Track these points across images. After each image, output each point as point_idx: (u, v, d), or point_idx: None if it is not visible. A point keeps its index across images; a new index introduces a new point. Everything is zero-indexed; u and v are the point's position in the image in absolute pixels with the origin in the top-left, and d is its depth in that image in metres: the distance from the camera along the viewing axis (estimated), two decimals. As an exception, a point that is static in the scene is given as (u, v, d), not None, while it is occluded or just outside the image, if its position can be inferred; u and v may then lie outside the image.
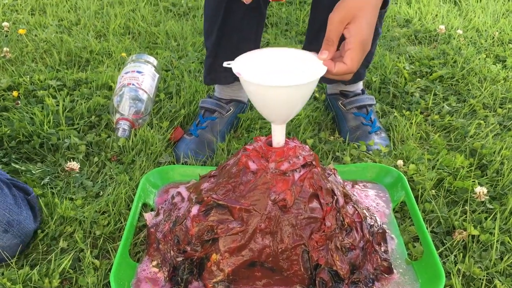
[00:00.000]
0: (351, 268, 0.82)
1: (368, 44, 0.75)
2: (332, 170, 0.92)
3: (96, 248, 0.90)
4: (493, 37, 1.73)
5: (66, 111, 1.27)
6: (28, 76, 1.42)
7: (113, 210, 0.96)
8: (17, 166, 1.07)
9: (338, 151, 1.15)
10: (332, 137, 1.23)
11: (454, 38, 1.72)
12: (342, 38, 0.75)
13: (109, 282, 0.80)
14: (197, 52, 1.62)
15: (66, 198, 0.99)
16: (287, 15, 1.90)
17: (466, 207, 0.97)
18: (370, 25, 0.73)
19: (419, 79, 1.47)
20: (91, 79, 1.42)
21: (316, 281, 0.79)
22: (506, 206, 0.97)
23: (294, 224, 0.79)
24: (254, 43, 1.16)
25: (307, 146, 0.87)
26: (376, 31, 1.13)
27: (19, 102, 1.32)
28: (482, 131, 1.23)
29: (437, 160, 1.10)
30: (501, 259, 0.87)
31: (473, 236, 0.91)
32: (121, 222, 0.94)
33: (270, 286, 0.80)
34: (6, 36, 1.71)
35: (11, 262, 0.85)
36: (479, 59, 1.57)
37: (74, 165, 1.09)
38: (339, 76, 0.76)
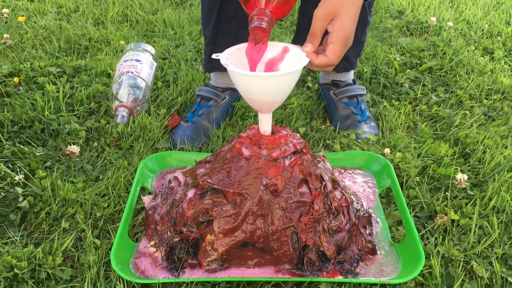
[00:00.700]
0: (337, 249, 0.87)
1: (350, 39, 0.79)
2: (322, 157, 0.97)
3: (97, 229, 0.94)
4: (483, 30, 1.77)
5: (66, 97, 1.30)
6: (28, 63, 1.45)
7: (112, 193, 1.01)
8: (22, 146, 1.12)
9: (328, 139, 1.20)
10: (323, 126, 1.28)
11: (444, 30, 1.76)
12: (325, 33, 0.80)
13: (109, 260, 0.85)
14: (194, 41, 1.66)
15: (67, 181, 1.04)
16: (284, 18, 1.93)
17: (447, 193, 1.02)
18: (353, 21, 0.78)
19: (409, 70, 1.51)
20: (90, 66, 1.45)
21: (304, 261, 0.84)
22: (485, 193, 1.03)
23: (284, 207, 0.84)
24: None
25: (298, 134, 0.92)
26: (366, 20, 1.18)
27: (21, 88, 1.35)
28: (468, 121, 1.28)
29: (423, 149, 1.15)
30: (479, 242, 0.93)
31: (453, 221, 0.97)
32: (121, 205, 0.99)
33: (261, 265, 0.85)
34: (6, 22, 1.74)
35: (16, 241, 0.90)
36: (468, 51, 1.62)
37: (75, 148, 1.13)
38: (321, 68, 0.81)
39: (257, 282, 0.83)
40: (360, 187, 1.06)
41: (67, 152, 1.12)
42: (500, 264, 0.88)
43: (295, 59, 0.81)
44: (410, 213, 0.97)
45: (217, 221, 0.85)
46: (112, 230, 0.94)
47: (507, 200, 1.00)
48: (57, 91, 1.32)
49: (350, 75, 1.32)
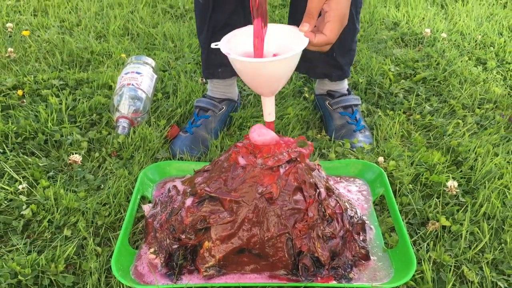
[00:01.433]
0: (331, 255, 0.90)
1: (346, 18, 0.82)
2: (317, 166, 1.00)
3: (98, 237, 0.97)
4: (476, 40, 1.81)
5: (69, 109, 1.34)
6: (32, 76, 1.49)
7: (113, 202, 1.04)
8: (25, 157, 1.15)
9: (324, 148, 1.23)
10: (319, 135, 1.31)
11: (438, 41, 1.80)
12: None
13: (110, 267, 0.87)
14: (193, 53, 1.69)
15: (70, 191, 1.07)
16: (280, 17, 1.98)
17: (439, 200, 1.05)
18: (348, 1, 0.81)
19: (404, 81, 1.55)
20: (92, 79, 1.49)
21: (299, 267, 0.87)
22: (476, 200, 1.05)
23: (279, 214, 0.87)
24: None
25: (293, 143, 0.95)
26: (354, 27, 1.21)
27: (24, 100, 1.39)
28: (460, 130, 1.31)
29: (416, 157, 1.18)
30: (470, 247, 0.95)
31: (445, 227, 0.99)
32: (121, 213, 1.02)
33: (257, 271, 0.88)
34: (10, 36, 1.78)
35: (19, 249, 0.93)
36: (461, 61, 1.65)
37: (77, 157, 1.16)
38: (319, 47, 0.82)
39: (253, 287, 0.85)
40: (354, 195, 1.09)
41: (69, 161, 1.16)
42: (490, 269, 0.91)
43: (294, 40, 0.82)
44: (403, 220, 0.99)
45: (214, 228, 0.87)
46: (113, 238, 0.97)
47: (497, 207, 1.02)
48: (60, 103, 1.36)
49: (344, 85, 1.35)
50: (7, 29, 1.81)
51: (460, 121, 1.35)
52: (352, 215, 0.98)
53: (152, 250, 0.93)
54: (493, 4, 2.14)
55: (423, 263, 0.90)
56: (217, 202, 0.88)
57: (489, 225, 0.99)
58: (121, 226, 0.94)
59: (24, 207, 1.02)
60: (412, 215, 1.03)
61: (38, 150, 1.21)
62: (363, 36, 1.84)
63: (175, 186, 1.03)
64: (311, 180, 0.92)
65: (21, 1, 2.07)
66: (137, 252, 0.92)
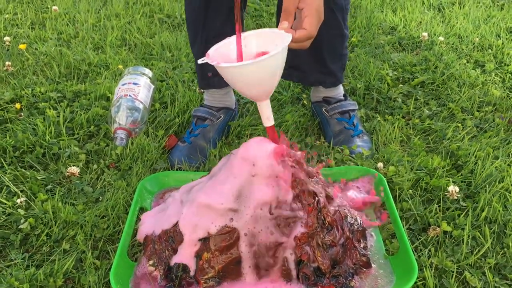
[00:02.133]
0: (332, 263, 0.89)
1: (322, 13, 0.85)
2: (316, 173, 1.00)
3: (97, 250, 0.96)
4: (474, 43, 1.80)
5: (67, 121, 1.34)
6: (29, 89, 1.49)
7: (112, 214, 1.03)
8: (23, 170, 1.15)
9: (323, 155, 1.23)
10: (318, 142, 1.30)
11: (436, 45, 1.79)
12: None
13: (109, 280, 0.86)
14: (190, 63, 1.69)
15: (68, 204, 1.06)
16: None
17: (440, 205, 1.04)
18: None
19: (402, 85, 1.54)
20: (90, 91, 1.49)
21: (300, 276, 0.86)
22: (478, 204, 1.04)
23: (278, 223, 0.86)
24: None
25: (292, 151, 0.94)
26: (342, 32, 1.22)
27: (22, 114, 1.39)
28: (460, 134, 1.30)
29: (416, 162, 1.17)
30: (472, 252, 0.94)
31: (446, 232, 0.98)
32: (120, 225, 1.01)
33: (257, 281, 0.87)
34: (8, 50, 1.78)
35: (18, 263, 0.92)
36: (459, 64, 1.65)
37: (74, 169, 1.16)
38: (300, 43, 0.84)
39: (254, 297, 0.84)
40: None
41: (67, 173, 1.15)
42: (493, 274, 0.90)
43: (277, 40, 0.83)
44: (404, 226, 0.99)
45: (213, 238, 0.87)
46: (111, 251, 0.96)
47: (499, 211, 1.01)
48: (57, 116, 1.36)
49: (340, 91, 1.35)
50: (4, 43, 1.82)
51: (459, 124, 1.34)
52: (352, 222, 0.97)
53: (151, 262, 0.92)
54: (490, 6, 2.14)
55: (424, 269, 0.90)
56: (215, 212, 0.88)
57: (491, 229, 0.98)
58: (120, 239, 0.94)
59: (22, 220, 1.01)
60: (413, 220, 1.02)
61: (36, 163, 1.20)
62: (360, 41, 1.84)
63: (173, 197, 1.03)
64: (310, 187, 0.91)
65: (18, 14, 2.08)
66: (136, 264, 0.91)
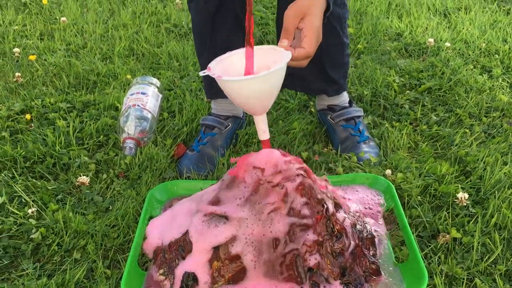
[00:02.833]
0: (341, 271, 0.89)
1: (320, 34, 0.88)
2: (324, 181, 1.00)
3: (108, 259, 0.97)
4: (480, 48, 1.80)
5: (76, 132, 1.35)
6: (39, 100, 1.51)
7: (122, 223, 1.04)
8: (34, 180, 1.16)
9: (331, 163, 1.23)
10: (325, 149, 1.31)
11: (442, 50, 1.79)
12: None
13: (120, 289, 0.87)
14: (198, 72, 1.71)
15: (78, 213, 1.07)
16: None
17: (449, 211, 1.04)
18: (319, 19, 0.89)
19: (408, 91, 1.55)
20: (99, 101, 1.50)
21: (310, 284, 0.86)
22: (487, 210, 1.04)
23: (287, 231, 0.86)
24: None
25: (299, 159, 0.95)
26: (341, 41, 1.24)
27: (32, 124, 1.41)
28: (468, 140, 1.30)
29: (424, 168, 1.17)
30: (482, 259, 0.94)
31: (455, 239, 0.98)
32: (130, 235, 1.02)
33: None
34: (17, 61, 1.81)
35: (30, 273, 0.93)
36: (466, 70, 1.65)
37: (84, 179, 1.17)
38: (299, 61, 0.87)
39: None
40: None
41: (77, 183, 1.16)
42: (504, 280, 0.89)
43: (276, 57, 0.85)
44: (413, 233, 0.99)
45: (223, 247, 0.87)
46: (122, 260, 0.97)
47: (508, 217, 1.01)
48: (67, 126, 1.37)
49: (344, 98, 1.35)
50: (14, 54, 1.84)
51: (467, 130, 1.34)
52: (361, 229, 0.97)
53: (161, 271, 0.92)
54: (496, 11, 2.14)
55: (435, 276, 0.89)
56: (224, 221, 0.88)
57: (501, 235, 0.98)
58: (130, 248, 0.94)
59: (33, 230, 1.02)
60: (422, 227, 1.02)
61: (46, 173, 1.22)
62: (367, 48, 1.85)
63: (180, 204, 1.04)
64: (318, 196, 0.92)
65: (27, 25, 2.11)
66: (146, 273, 0.92)
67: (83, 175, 1.19)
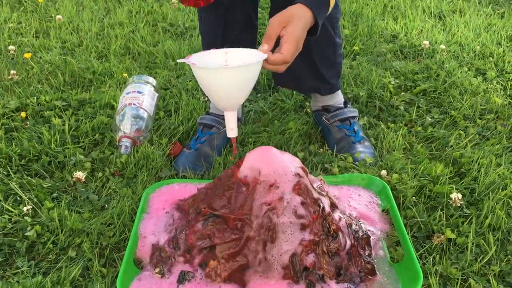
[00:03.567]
0: (337, 271, 0.89)
1: (301, 42, 0.90)
2: (320, 181, 1.00)
3: (103, 257, 0.97)
4: (475, 51, 1.82)
5: (72, 130, 1.35)
6: (34, 97, 1.50)
7: (118, 222, 1.04)
8: (30, 178, 1.15)
9: (326, 163, 1.23)
10: (321, 150, 1.31)
11: (437, 53, 1.81)
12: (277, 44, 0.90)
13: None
14: (194, 71, 1.71)
15: (74, 211, 1.07)
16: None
17: (444, 212, 1.05)
18: (302, 29, 0.90)
19: (404, 93, 1.55)
20: (95, 99, 1.50)
21: (305, 283, 0.87)
22: (481, 211, 1.05)
23: (284, 231, 0.87)
24: None
25: (297, 159, 0.95)
26: (333, 41, 1.25)
27: (28, 122, 1.40)
28: (462, 141, 1.31)
29: (419, 169, 1.18)
30: (476, 260, 0.95)
31: (450, 239, 0.99)
32: (126, 233, 1.02)
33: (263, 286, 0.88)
34: (13, 59, 1.80)
35: (24, 271, 0.93)
36: (461, 72, 1.66)
37: (80, 174, 1.17)
38: (275, 66, 0.89)
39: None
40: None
41: (73, 179, 1.16)
42: (497, 281, 0.90)
43: (254, 57, 0.89)
44: (408, 233, 0.99)
45: (219, 246, 0.87)
46: (118, 258, 0.97)
47: (502, 218, 1.02)
48: (62, 124, 1.37)
49: (339, 99, 1.36)
50: (9, 52, 1.83)
51: (461, 132, 1.35)
52: (357, 229, 0.98)
53: (157, 270, 0.92)
54: (491, 15, 2.15)
55: (429, 276, 0.90)
56: (221, 221, 0.89)
57: (495, 236, 0.99)
58: (126, 246, 0.94)
59: (28, 228, 1.02)
60: (417, 228, 1.03)
61: (42, 171, 1.21)
62: (362, 50, 1.86)
63: (178, 205, 1.04)
64: (314, 195, 0.92)
65: (22, 23, 2.10)
66: (142, 272, 0.92)
67: (79, 172, 1.19)
